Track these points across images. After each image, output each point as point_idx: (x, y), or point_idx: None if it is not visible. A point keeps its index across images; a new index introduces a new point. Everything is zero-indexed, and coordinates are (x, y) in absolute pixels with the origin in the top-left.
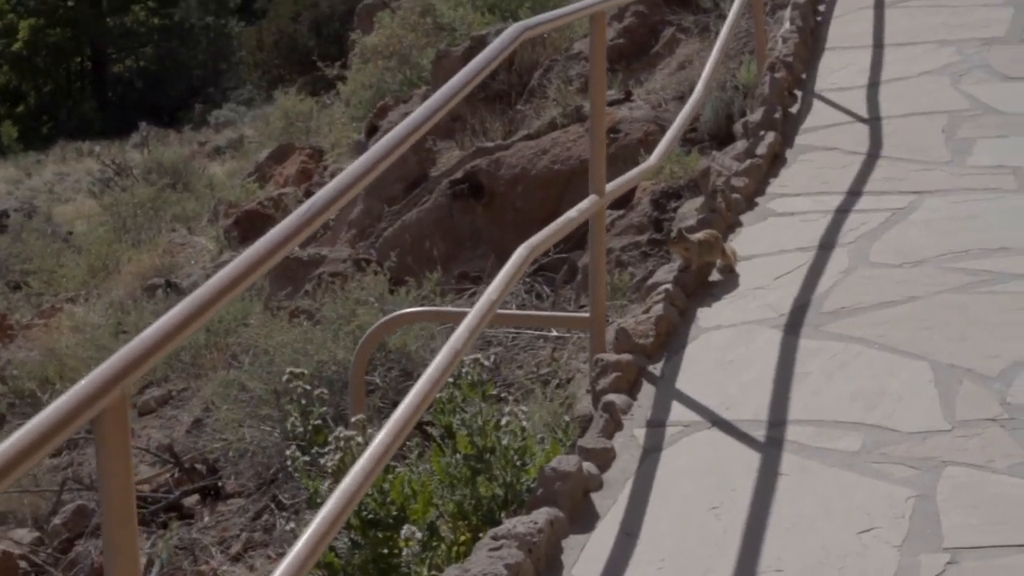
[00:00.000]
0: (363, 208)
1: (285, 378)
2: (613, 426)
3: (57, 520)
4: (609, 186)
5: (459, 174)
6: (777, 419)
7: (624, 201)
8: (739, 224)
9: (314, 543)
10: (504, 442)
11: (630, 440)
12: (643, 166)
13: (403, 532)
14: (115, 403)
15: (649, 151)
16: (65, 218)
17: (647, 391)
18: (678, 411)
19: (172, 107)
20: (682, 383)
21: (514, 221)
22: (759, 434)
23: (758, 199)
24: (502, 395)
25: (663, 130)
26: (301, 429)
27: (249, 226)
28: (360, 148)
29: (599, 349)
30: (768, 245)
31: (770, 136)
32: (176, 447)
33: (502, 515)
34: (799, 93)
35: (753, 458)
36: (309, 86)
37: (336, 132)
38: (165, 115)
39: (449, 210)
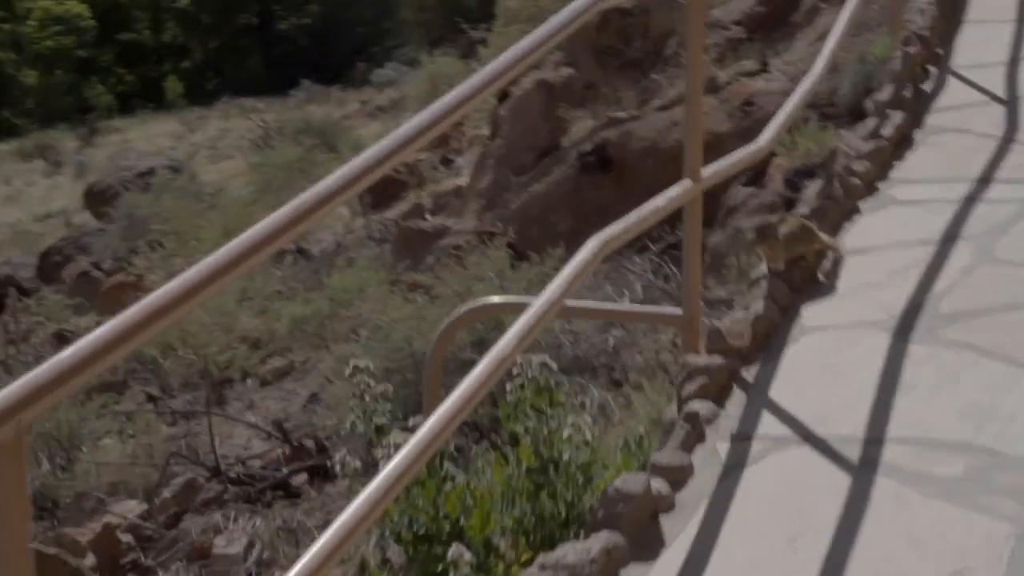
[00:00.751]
0: (492, 178)
1: (348, 372)
2: (694, 438)
3: (167, 493)
4: (706, 171)
5: (588, 146)
6: (875, 436)
7: (756, 178)
8: (857, 212)
9: (326, 553)
10: (566, 456)
11: (711, 455)
12: (750, 148)
13: (450, 552)
14: (8, 441)
15: (784, 126)
16: (219, 176)
17: (737, 399)
18: (768, 423)
19: (336, 65)
20: (776, 391)
21: (643, 196)
22: (853, 453)
23: (880, 184)
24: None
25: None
26: (362, 429)
27: (382, 192)
28: (492, 114)
29: (692, 349)
30: (886, 236)
31: (898, 116)
32: (289, 422)
33: (561, 536)
34: (934, 69)
35: (843, 482)
36: (464, 47)
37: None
38: (328, 73)
39: (577, 183)
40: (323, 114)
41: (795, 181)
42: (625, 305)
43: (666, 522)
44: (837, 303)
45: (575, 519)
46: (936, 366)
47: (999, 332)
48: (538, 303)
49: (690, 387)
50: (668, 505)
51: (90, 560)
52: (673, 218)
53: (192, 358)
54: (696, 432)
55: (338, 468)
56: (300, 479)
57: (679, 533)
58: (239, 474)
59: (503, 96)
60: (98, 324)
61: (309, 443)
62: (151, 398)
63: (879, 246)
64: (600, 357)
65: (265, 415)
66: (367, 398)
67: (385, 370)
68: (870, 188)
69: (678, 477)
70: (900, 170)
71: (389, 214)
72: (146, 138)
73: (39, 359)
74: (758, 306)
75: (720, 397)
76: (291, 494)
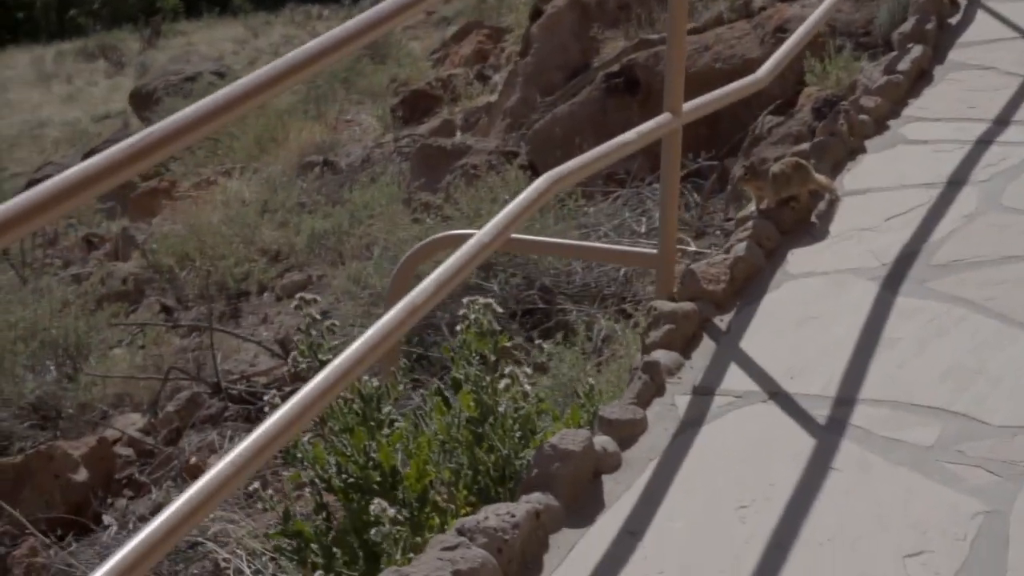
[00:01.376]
0: (520, 96)
1: (294, 304)
2: (652, 391)
3: (171, 407)
4: (687, 105)
5: (615, 67)
6: (847, 396)
7: (785, 107)
8: (862, 151)
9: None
10: (501, 408)
11: (668, 410)
12: (745, 81)
13: (372, 507)
14: None
15: (816, 55)
16: None
17: (705, 349)
18: (734, 376)
19: None
20: (748, 341)
21: None
22: (821, 413)
23: (891, 122)
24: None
25: (834, 32)
26: (304, 366)
27: (415, 106)
28: (524, 32)
29: (667, 293)
30: (889, 178)
31: (917, 50)
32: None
33: (496, 495)
34: (964, 1)
35: (805, 445)
36: None
37: (518, 12)
38: None
39: (603, 105)
40: None
41: (824, 111)
42: (595, 244)
43: (608, 483)
44: (827, 248)
45: (511, 476)
46: (922, 320)
47: (994, 286)
48: (475, 239)
49: (655, 335)
50: (613, 464)
51: (82, 474)
52: (697, 144)
53: (209, 269)
54: (655, 384)
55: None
56: None
57: (621, 494)
58: (240, 392)
59: (536, 13)
60: (124, 231)
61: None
62: (165, 309)
63: (880, 188)
64: (611, 286)
65: (278, 331)
66: (313, 332)
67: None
68: (880, 126)
69: (628, 433)
70: (914, 108)
71: (420, 129)
72: (209, 42)
73: (67, 263)
74: (740, 248)
75: (687, 346)
76: None
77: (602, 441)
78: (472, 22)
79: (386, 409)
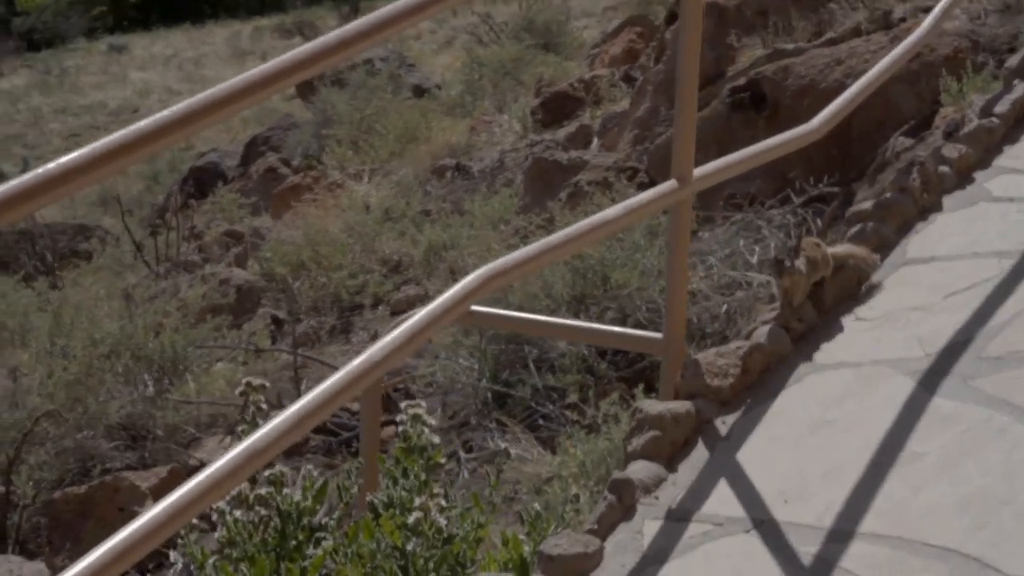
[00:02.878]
0: (649, 106)
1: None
2: (618, 514)
3: None
4: (701, 170)
5: (742, 80)
6: (845, 528)
7: (921, 127)
8: (937, 208)
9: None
10: (409, 547)
11: (632, 539)
12: (793, 133)
13: None
14: None
15: (954, 73)
16: (436, 68)
17: (696, 459)
18: (720, 497)
19: None
20: (748, 451)
21: None
22: (809, 551)
23: (978, 173)
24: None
25: (976, 47)
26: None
27: (557, 108)
28: (659, 37)
29: (673, 386)
30: (960, 243)
31: (1021, 89)
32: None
33: None
34: None
35: None
36: None
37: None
38: None
39: (728, 121)
40: (547, 14)
41: (954, 135)
42: (596, 327)
43: None
44: (868, 332)
45: None
46: (956, 430)
47: None
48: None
49: (636, 442)
50: None
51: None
52: (818, 168)
53: (323, 280)
54: (622, 507)
55: None
56: (388, 431)
57: None
58: (325, 422)
59: (672, 17)
60: (255, 231)
61: (398, 394)
62: (276, 321)
63: (946, 256)
64: (715, 323)
65: None
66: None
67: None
68: (963, 178)
69: (574, 572)
70: (1009, 156)
71: (559, 134)
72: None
73: (205, 259)
74: (761, 334)
75: (675, 456)
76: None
77: None
78: (631, 17)
79: (305, 523)
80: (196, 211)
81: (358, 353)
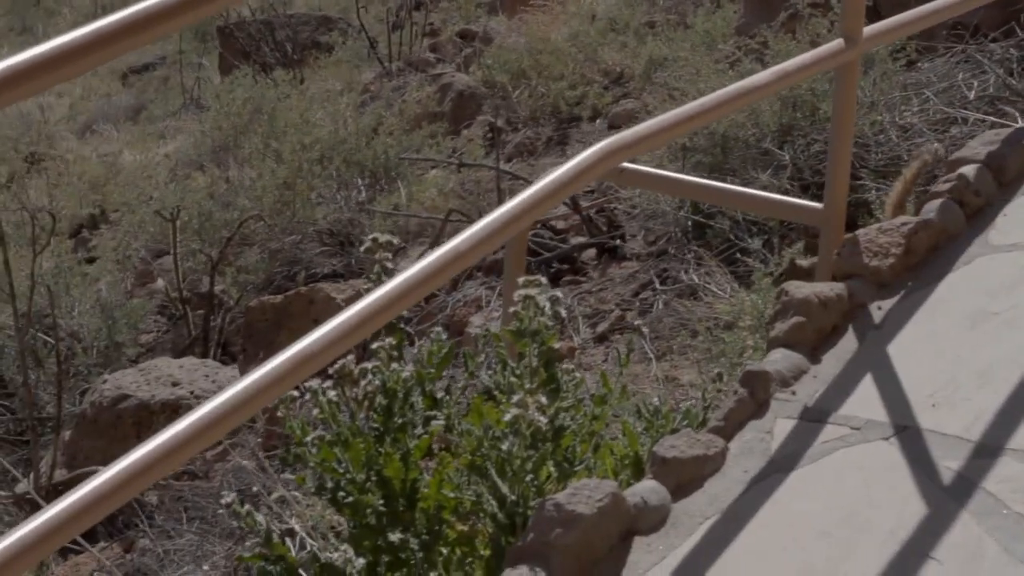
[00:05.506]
0: None
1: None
2: (749, 411)
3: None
4: (869, 30)
5: None
6: (994, 441)
7: None
8: None
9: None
10: (504, 447)
11: (760, 440)
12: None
13: (334, 556)
14: None
15: None
16: None
17: (843, 349)
18: (861, 397)
19: None
20: (900, 343)
21: None
22: (951, 465)
23: None
24: None
25: None
26: None
27: None
28: None
29: (830, 255)
30: None
31: None
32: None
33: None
34: None
35: (913, 515)
36: None
37: None
38: None
39: None
40: None
41: None
42: (749, 190)
43: (639, 550)
44: None
45: (524, 525)
46: None
47: None
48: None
49: (780, 327)
50: (655, 521)
51: None
52: None
53: (543, 90)
54: (754, 401)
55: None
56: (589, 254)
57: (648, 569)
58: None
59: None
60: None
61: (601, 218)
62: (493, 129)
63: None
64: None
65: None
66: None
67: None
68: None
69: (690, 476)
70: None
71: None
72: None
73: (439, 59)
74: (931, 208)
75: (820, 345)
76: (576, 270)
77: (644, 490)
78: None
79: (411, 412)
80: (436, 7)
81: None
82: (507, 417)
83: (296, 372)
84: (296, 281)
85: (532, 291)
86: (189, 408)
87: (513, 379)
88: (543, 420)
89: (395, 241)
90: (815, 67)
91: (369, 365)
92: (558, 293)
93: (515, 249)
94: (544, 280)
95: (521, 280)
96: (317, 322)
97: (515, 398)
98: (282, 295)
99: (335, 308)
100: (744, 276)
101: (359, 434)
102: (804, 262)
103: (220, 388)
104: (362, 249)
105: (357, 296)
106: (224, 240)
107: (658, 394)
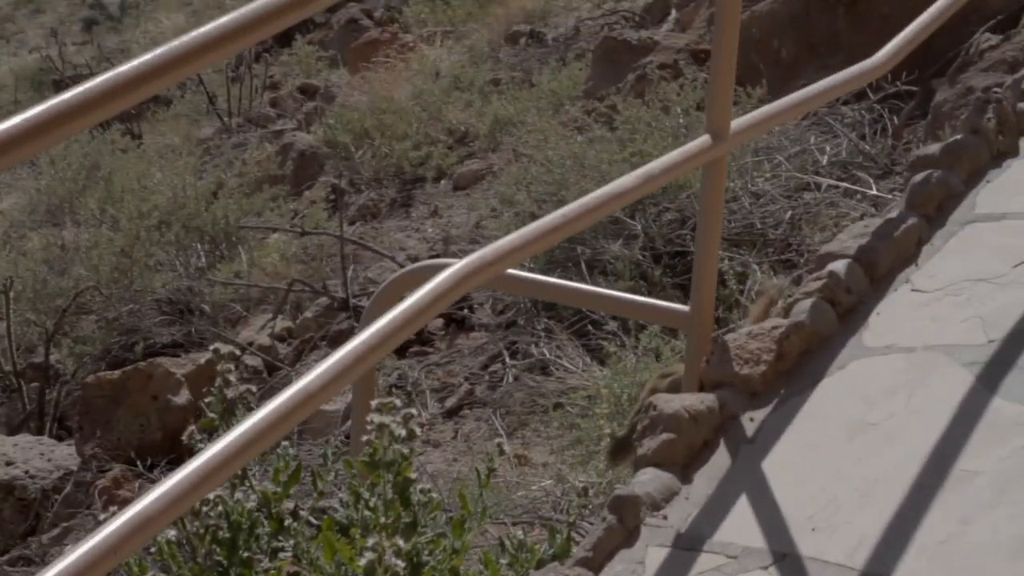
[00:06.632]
0: None
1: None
2: (618, 539)
3: (309, 314)
4: (737, 123)
5: None
6: (880, 569)
7: (1008, 24)
8: (1014, 153)
9: None
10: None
11: (631, 574)
12: (857, 69)
13: None
14: None
15: None
16: None
17: (715, 466)
18: (737, 521)
19: None
20: (775, 458)
21: (879, 31)
22: None
23: None
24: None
25: None
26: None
27: None
28: None
29: (698, 368)
30: None
31: None
32: (454, 245)
33: None
34: None
35: None
36: None
37: None
38: None
39: (806, 6)
40: None
41: None
42: (611, 292)
43: None
44: (925, 307)
45: None
46: (1019, 443)
47: None
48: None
49: (648, 445)
50: None
51: (183, 396)
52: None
53: (386, 151)
54: (624, 528)
55: None
56: (436, 324)
57: None
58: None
59: None
60: (326, 90)
61: None
62: (336, 191)
63: (1020, 213)
64: (778, 229)
65: (444, 227)
66: None
67: (531, 215)
68: None
69: None
70: None
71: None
72: None
73: (279, 115)
74: (801, 309)
75: (692, 461)
76: (423, 340)
77: None
78: None
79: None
80: (276, 60)
81: (416, 230)
82: (362, 562)
83: (124, 547)
84: (135, 352)
85: (386, 419)
86: (24, 489)
87: (367, 512)
88: (400, 565)
89: (237, 352)
90: (683, 166)
91: (211, 495)
92: (412, 410)
93: (363, 393)
94: (398, 403)
95: (375, 403)
96: (156, 399)
97: (370, 541)
98: (120, 370)
99: (175, 383)
100: (596, 350)
101: (201, 573)
102: (669, 371)
103: (56, 467)
104: (202, 361)
105: (197, 371)
106: (60, 311)
107: (511, 476)
